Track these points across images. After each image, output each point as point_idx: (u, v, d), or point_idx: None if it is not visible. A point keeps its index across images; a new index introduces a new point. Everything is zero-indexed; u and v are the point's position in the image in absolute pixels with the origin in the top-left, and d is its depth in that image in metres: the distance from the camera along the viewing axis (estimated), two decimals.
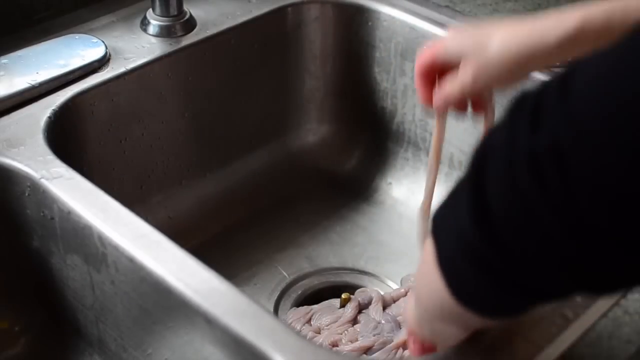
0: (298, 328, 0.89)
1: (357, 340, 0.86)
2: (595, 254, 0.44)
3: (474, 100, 0.77)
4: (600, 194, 0.42)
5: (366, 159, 1.13)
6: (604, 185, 0.42)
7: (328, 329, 0.88)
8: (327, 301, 0.94)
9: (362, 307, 0.91)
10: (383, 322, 0.87)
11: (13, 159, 0.82)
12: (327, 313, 0.91)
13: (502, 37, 0.69)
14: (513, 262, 0.47)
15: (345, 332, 0.88)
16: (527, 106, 0.46)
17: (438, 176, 0.82)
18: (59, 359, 0.87)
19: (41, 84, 0.90)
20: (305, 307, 0.93)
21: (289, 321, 0.90)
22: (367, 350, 0.84)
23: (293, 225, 1.06)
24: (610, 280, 0.46)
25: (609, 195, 0.42)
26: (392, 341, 0.85)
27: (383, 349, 0.84)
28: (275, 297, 0.97)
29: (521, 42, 0.67)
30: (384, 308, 0.90)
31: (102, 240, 0.74)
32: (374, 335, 0.86)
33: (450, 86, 0.75)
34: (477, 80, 0.71)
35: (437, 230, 0.54)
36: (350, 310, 0.90)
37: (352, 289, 0.98)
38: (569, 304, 0.67)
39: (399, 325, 0.87)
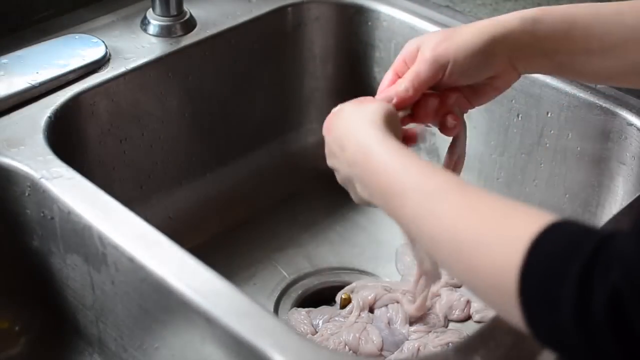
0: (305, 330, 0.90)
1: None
2: None
3: (443, 120, 0.76)
4: None
5: None
6: None
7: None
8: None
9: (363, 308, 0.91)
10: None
11: (13, 159, 0.82)
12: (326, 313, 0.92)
13: (470, 27, 0.74)
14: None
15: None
16: None
17: None
18: (59, 359, 0.87)
19: (41, 84, 0.90)
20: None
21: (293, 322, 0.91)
22: None
23: (293, 225, 1.06)
24: None
25: None
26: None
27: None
28: (275, 297, 0.97)
29: (487, 28, 0.73)
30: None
31: (102, 240, 0.74)
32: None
33: (402, 78, 0.74)
34: (437, 61, 0.72)
35: (532, 293, 0.53)
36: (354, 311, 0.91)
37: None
38: None
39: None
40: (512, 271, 0.53)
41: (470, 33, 0.73)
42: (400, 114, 0.74)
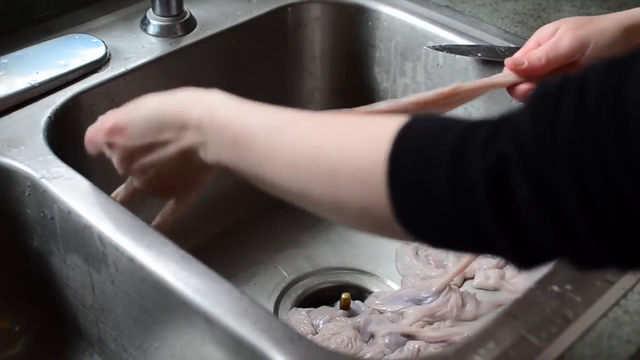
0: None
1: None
2: None
3: None
4: None
5: None
6: None
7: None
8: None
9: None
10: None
11: (13, 159, 0.82)
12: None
13: (608, 17, 0.75)
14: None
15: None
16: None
17: None
18: (59, 359, 0.87)
19: (41, 84, 0.90)
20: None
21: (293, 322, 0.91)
22: None
23: (293, 225, 1.06)
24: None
25: None
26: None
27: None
28: (275, 297, 0.97)
29: (626, 19, 0.74)
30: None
31: (102, 240, 0.74)
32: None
33: (537, 49, 0.74)
34: (578, 40, 0.72)
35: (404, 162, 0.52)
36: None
37: (352, 289, 0.98)
38: (569, 304, 0.67)
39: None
40: (379, 165, 0.51)
41: (610, 22, 0.73)
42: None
